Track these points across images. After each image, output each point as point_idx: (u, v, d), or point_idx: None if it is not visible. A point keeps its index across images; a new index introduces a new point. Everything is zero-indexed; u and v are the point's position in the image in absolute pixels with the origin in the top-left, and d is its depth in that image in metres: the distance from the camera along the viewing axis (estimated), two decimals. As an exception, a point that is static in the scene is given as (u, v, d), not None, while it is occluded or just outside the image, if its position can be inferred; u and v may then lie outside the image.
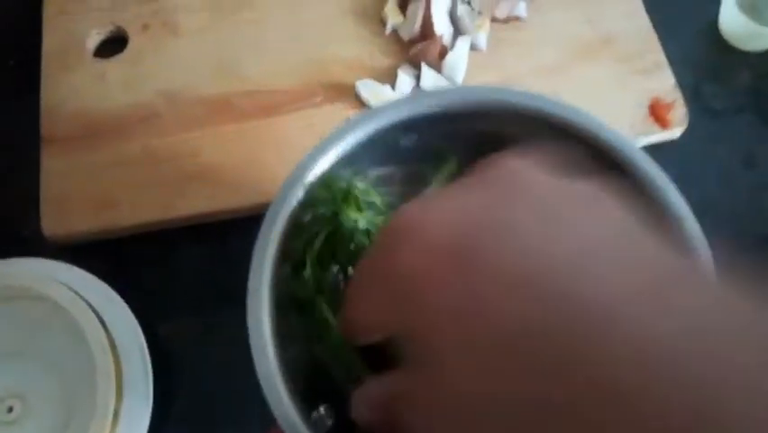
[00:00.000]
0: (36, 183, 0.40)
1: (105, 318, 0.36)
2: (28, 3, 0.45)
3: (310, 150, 0.26)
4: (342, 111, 0.42)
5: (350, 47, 0.44)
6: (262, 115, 0.42)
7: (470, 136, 0.28)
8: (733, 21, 0.46)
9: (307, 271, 0.27)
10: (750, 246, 0.42)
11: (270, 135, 0.42)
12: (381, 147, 0.28)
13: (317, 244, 0.28)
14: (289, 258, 0.27)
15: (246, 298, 0.25)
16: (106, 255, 0.40)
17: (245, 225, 0.41)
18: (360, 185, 0.28)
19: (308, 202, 0.27)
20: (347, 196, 0.28)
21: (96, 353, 0.35)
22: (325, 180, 0.27)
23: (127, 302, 0.37)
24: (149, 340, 0.37)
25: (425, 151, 0.29)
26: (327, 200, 0.28)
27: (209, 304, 0.39)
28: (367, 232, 0.29)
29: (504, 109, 0.26)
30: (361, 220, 0.29)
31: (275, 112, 0.42)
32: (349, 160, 0.27)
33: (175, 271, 0.40)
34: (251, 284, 0.25)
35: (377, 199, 0.29)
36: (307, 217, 0.27)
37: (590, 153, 0.26)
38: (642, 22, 0.45)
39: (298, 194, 0.26)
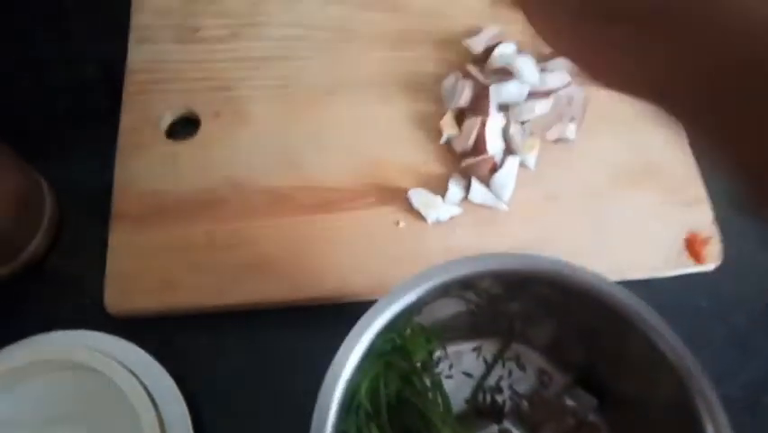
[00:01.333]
0: (101, 256, 0.43)
1: (156, 398, 0.39)
2: (111, 82, 0.48)
3: (384, 297, 0.28)
4: (392, 214, 0.45)
5: (405, 153, 0.47)
6: (318, 211, 0.45)
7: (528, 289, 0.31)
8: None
9: (363, 406, 0.29)
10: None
11: (324, 231, 0.44)
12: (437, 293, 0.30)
13: (376, 372, 0.31)
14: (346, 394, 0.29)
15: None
16: (161, 332, 0.42)
17: (292, 315, 0.43)
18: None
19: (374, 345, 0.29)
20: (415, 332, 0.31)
21: (145, 429, 0.37)
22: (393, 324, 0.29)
23: (177, 383, 0.40)
24: (193, 418, 0.39)
25: (478, 294, 0.31)
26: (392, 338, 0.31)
27: (252, 383, 0.41)
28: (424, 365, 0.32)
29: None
30: (422, 352, 0.31)
31: (330, 208, 0.45)
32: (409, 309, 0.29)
33: (223, 355, 0.43)
34: (317, 413, 0.27)
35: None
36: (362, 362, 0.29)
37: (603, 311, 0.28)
38: (685, 153, 0.48)
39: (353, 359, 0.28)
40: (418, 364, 0.31)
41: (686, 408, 0.28)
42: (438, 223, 0.44)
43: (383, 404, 0.31)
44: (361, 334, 0.27)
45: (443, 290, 0.29)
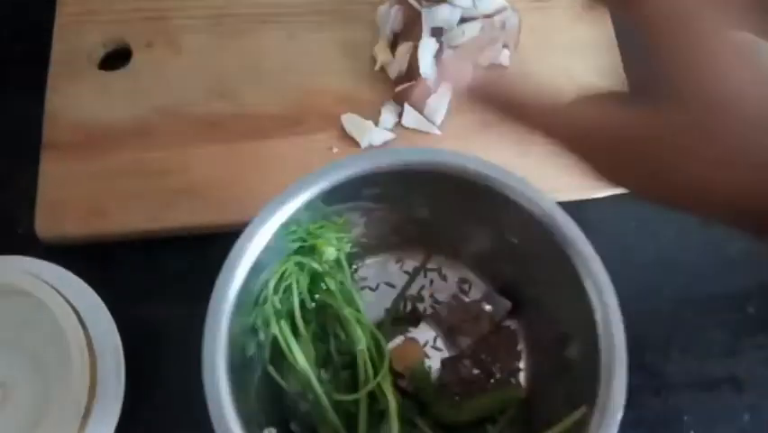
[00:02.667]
0: (34, 185, 0.43)
1: (86, 319, 0.39)
2: (42, 9, 0.47)
3: (276, 196, 0.29)
4: (325, 140, 0.45)
5: (339, 80, 0.47)
6: (250, 138, 0.45)
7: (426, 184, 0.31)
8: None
9: (269, 299, 0.30)
10: (697, 302, 0.44)
11: (256, 157, 0.44)
12: (344, 194, 0.30)
13: (284, 269, 0.31)
14: (253, 290, 0.29)
15: (205, 320, 0.27)
16: (94, 258, 0.42)
17: (226, 239, 0.44)
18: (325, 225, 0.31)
19: (275, 239, 0.29)
20: (316, 233, 0.31)
21: (74, 351, 0.37)
22: (299, 218, 0.30)
23: (109, 304, 0.40)
24: (126, 343, 0.39)
25: (385, 196, 0.32)
26: (300, 234, 0.31)
27: (186, 312, 0.42)
28: (336, 263, 0.32)
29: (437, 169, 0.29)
30: (331, 251, 0.32)
31: (262, 135, 0.45)
32: (312, 205, 0.29)
33: (156, 278, 0.43)
34: (211, 309, 0.27)
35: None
36: (270, 257, 0.29)
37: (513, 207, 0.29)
38: (618, 79, 0.48)
39: (265, 234, 0.28)
40: (328, 265, 0.32)
41: (584, 307, 0.29)
42: (371, 148, 0.45)
43: (295, 303, 0.31)
44: (257, 228, 0.28)
45: (347, 187, 0.29)
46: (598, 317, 0.28)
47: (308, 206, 0.29)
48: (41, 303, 0.38)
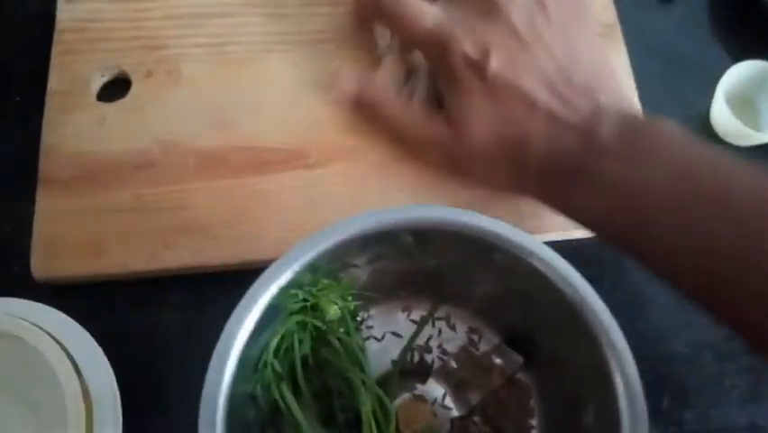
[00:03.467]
0: (30, 220, 0.41)
1: (81, 365, 0.37)
2: (39, 41, 0.46)
3: (278, 260, 0.27)
4: (335, 174, 0.43)
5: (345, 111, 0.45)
6: (255, 172, 0.43)
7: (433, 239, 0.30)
8: (721, 118, 0.46)
9: (269, 364, 0.28)
10: (715, 346, 0.43)
11: (261, 193, 0.43)
12: (347, 252, 0.29)
13: (286, 330, 0.30)
14: (254, 353, 0.28)
15: (203, 392, 0.26)
16: (91, 298, 0.41)
17: (231, 278, 0.42)
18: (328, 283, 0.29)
19: (277, 302, 0.28)
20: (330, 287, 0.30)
21: (69, 399, 0.36)
22: (298, 280, 0.28)
23: (105, 347, 0.39)
24: (122, 388, 0.38)
25: (390, 251, 0.30)
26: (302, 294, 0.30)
27: (187, 356, 0.40)
28: (339, 320, 0.31)
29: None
30: (334, 311, 0.30)
31: (268, 170, 0.43)
32: (314, 266, 0.28)
33: (156, 320, 0.41)
34: (209, 380, 0.26)
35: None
36: (271, 318, 0.28)
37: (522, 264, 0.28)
38: (633, 108, 0.46)
39: (265, 299, 0.27)
40: (332, 322, 0.30)
41: (600, 365, 0.27)
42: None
43: (297, 363, 0.30)
44: (258, 292, 0.26)
45: (350, 246, 0.28)
46: (618, 384, 0.26)
47: (310, 267, 0.28)
48: (35, 349, 0.37)
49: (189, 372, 0.39)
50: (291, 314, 0.29)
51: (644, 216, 0.29)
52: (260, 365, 0.28)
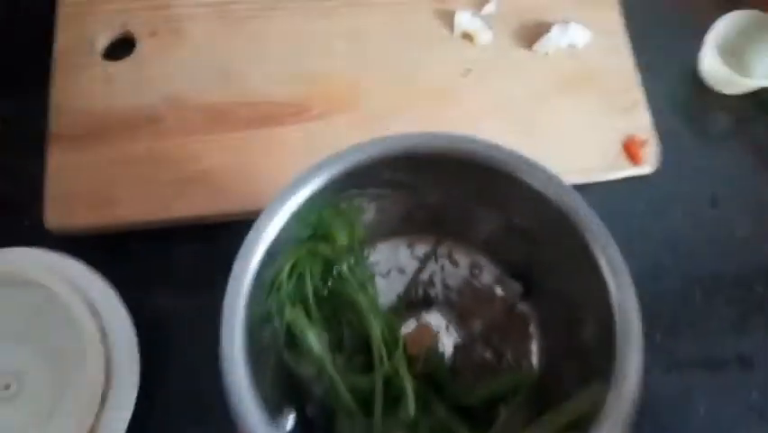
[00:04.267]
0: (42, 176, 0.43)
1: (99, 309, 0.39)
2: (44, 5, 0.47)
3: (287, 185, 0.29)
4: (337, 125, 0.45)
5: (347, 64, 0.46)
6: (261, 125, 0.45)
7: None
8: (712, 67, 0.48)
9: (283, 286, 0.30)
10: (705, 281, 0.45)
11: (268, 145, 0.44)
12: (353, 181, 0.30)
13: (297, 256, 0.31)
14: (267, 277, 0.29)
15: (222, 310, 0.28)
16: (105, 248, 0.43)
17: (237, 227, 0.44)
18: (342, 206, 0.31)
19: (288, 227, 0.29)
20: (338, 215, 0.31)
21: (88, 341, 0.38)
22: (309, 206, 0.30)
23: (121, 293, 0.40)
24: (139, 331, 0.40)
25: (395, 182, 0.32)
26: (313, 221, 0.31)
27: (198, 300, 0.42)
28: (348, 249, 0.33)
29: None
30: (343, 237, 0.32)
31: (273, 122, 0.45)
32: (322, 193, 0.29)
33: (169, 267, 0.43)
34: (228, 298, 0.27)
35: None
36: (283, 245, 0.29)
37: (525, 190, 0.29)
38: (625, 60, 0.48)
39: (274, 226, 0.28)
40: (340, 251, 0.32)
41: (597, 287, 0.29)
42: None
43: (309, 291, 0.32)
44: (271, 216, 0.28)
45: (355, 174, 0.29)
46: (614, 298, 0.28)
47: (319, 193, 0.29)
48: (54, 294, 0.39)
49: (203, 312, 0.41)
50: (302, 242, 0.31)
51: None
52: (275, 288, 0.30)
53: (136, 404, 0.38)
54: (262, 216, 0.28)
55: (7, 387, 0.39)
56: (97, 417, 0.37)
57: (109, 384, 0.38)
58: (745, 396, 0.43)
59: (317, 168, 0.29)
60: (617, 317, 0.27)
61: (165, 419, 0.39)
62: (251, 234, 0.28)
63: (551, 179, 0.29)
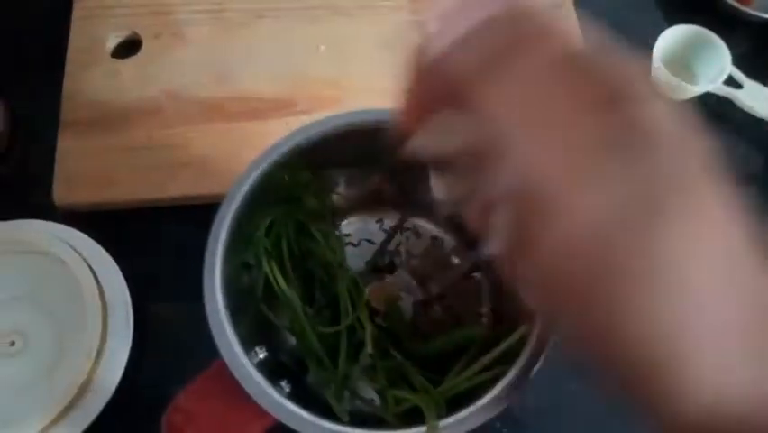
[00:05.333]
0: (53, 158, 0.47)
1: (98, 274, 0.43)
2: (59, 8, 0.53)
3: (263, 150, 0.34)
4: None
5: (327, 67, 0.52)
6: (249, 118, 0.50)
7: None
8: (660, 77, 0.53)
9: (261, 241, 0.34)
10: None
11: (254, 136, 0.49)
12: (319, 152, 0.35)
13: (273, 215, 0.36)
14: (245, 231, 0.34)
15: (204, 258, 0.32)
16: (106, 224, 0.47)
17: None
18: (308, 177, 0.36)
19: (263, 186, 0.34)
20: (309, 183, 0.36)
21: (88, 301, 0.42)
22: (285, 169, 0.35)
23: (119, 263, 0.45)
24: (133, 295, 0.44)
25: (359, 157, 0.37)
26: (287, 185, 0.36)
27: (186, 269, 0.46)
28: (315, 213, 0.37)
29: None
30: (313, 202, 0.36)
31: (260, 116, 0.50)
32: (293, 158, 0.34)
33: (161, 242, 0.47)
34: (210, 248, 0.32)
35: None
36: (260, 201, 0.34)
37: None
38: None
39: (253, 180, 0.33)
40: (313, 213, 0.36)
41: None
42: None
43: (284, 247, 0.36)
44: (249, 175, 0.33)
45: (321, 145, 0.34)
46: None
47: (289, 156, 0.34)
48: (58, 260, 0.43)
49: (190, 278, 0.45)
50: (278, 202, 0.35)
51: None
52: (254, 241, 0.34)
53: (128, 361, 0.42)
54: (240, 176, 0.33)
55: (12, 344, 0.43)
56: (94, 370, 0.41)
57: (104, 343, 0.42)
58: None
59: (286, 138, 0.34)
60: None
61: (153, 372, 0.43)
62: (231, 189, 0.32)
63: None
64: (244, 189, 0.33)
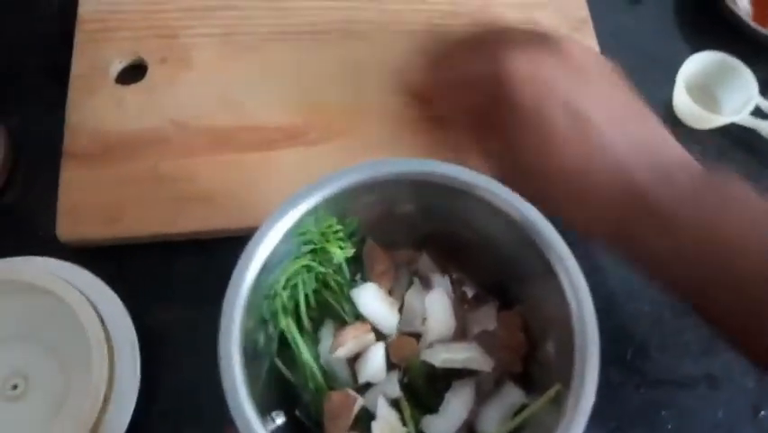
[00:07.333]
0: (53, 191, 0.46)
1: (103, 315, 0.42)
2: (62, 30, 0.51)
3: (287, 199, 0.32)
4: (332, 151, 0.48)
5: (340, 94, 0.50)
6: (258, 149, 0.48)
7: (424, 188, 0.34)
8: (684, 105, 0.51)
9: (279, 295, 0.33)
10: (675, 305, 0.47)
11: (265, 167, 0.47)
12: (346, 201, 0.33)
13: (291, 270, 0.34)
14: (262, 288, 0.32)
15: (220, 317, 0.30)
16: (111, 259, 0.45)
17: (236, 243, 0.47)
18: (336, 227, 0.34)
19: (285, 240, 0.32)
20: (328, 234, 0.34)
21: (93, 344, 0.40)
22: (306, 223, 0.33)
23: (125, 302, 0.43)
24: (140, 337, 0.42)
25: (383, 201, 0.35)
26: (310, 237, 0.34)
27: (197, 310, 0.45)
28: (339, 267, 0.35)
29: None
30: (338, 254, 0.35)
31: (271, 146, 0.48)
32: (315, 212, 0.32)
33: (169, 278, 0.46)
34: (227, 302, 0.30)
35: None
36: (280, 256, 0.32)
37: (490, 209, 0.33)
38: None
39: (273, 238, 0.31)
40: (339, 264, 0.35)
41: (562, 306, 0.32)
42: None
43: (302, 300, 0.34)
44: (269, 228, 0.31)
45: (346, 194, 0.33)
46: (573, 312, 0.31)
47: (314, 210, 0.32)
48: (62, 300, 0.41)
49: (201, 321, 0.44)
50: (298, 257, 0.34)
51: (719, 261, 0.31)
52: (271, 295, 0.33)
53: (136, 407, 0.40)
54: (260, 230, 0.31)
55: (15, 387, 0.41)
56: (99, 418, 0.39)
57: (111, 387, 0.40)
58: (712, 414, 0.45)
59: (312, 187, 0.32)
60: (575, 327, 0.30)
61: (163, 421, 0.42)
62: (250, 244, 0.31)
63: (516, 200, 0.32)
64: (264, 247, 0.31)
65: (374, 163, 0.33)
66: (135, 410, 0.40)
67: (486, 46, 0.38)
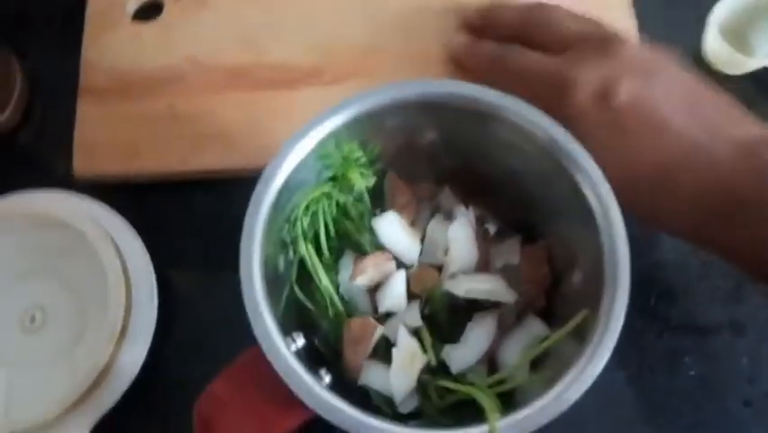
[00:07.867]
0: (69, 129, 0.45)
1: (121, 247, 0.41)
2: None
3: (305, 123, 0.31)
4: (347, 91, 0.46)
5: (361, 33, 0.48)
6: (275, 87, 0.47)
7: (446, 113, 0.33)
8: (715, 48, 0.49)
9: (299, 221, 0.32)
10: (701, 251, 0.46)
11: (281, 106, 0.46)
12: (368, 125, 0.32)
13: (311, 196, 0.33)
14: (283, 211, 0.31)
15: (241, 240, 0.30)
16: (128, 197, 0.45)
17: (248, 183, 0.46)
18: (358, 153, 0.33)
19: (303, 165, 0.31)
20: (349, 160, 0.33)
21: (110, 276, 0.40)
22: (327, 146, 0.32)
23: (141, 236, 0.43)
24: (157, 271, 0.42)
25: (405, 127, 0.34)
26: (331, 162, 0.33)
27: (212, 245, 0.44)
28: (360, 196, 0.35)
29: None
30: (359, 181, 0.34)
31: (287, 86, 0.47)
32: (337, 135, 0.32)
33: (186, 217, 0.45)
34: (247, 226, 0.29)
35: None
36: (299, 179, 0.32)
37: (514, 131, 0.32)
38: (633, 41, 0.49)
39: (295, 158, 0.31)
40: (353, 196, 0.34)
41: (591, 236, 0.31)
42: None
43: (321, 227, 0.34)
44: (290, 148, 0.30)
45: (370, 117, 0.32)
46: (603, 228, 0.30)
47: (336, 133, 0.31)
48: (80, 233, 0.41)
49: (212, 255, 0.44)
50: (320, 184, 0.33)
51: None
52: (291, 221, 0.32)
53: (153, 337, 0.40)
54: (284, 146, 0.30)
55: (33, 319, 0.41)
56: (116, 350, 0.39)
57: (128, 319, 0.40)
58: (735, 361, 0.44)
59: (335, 109, 0.31)
60: (606, 252, 0.29)
61: (177, 355, 0.42)
62: (273, 161, 0.30)
63: (544, 119, 0.31)
64: (286, 166, 0.30)
65: (397, 85, 0.32)
66: (152, 342, 0.40)
67: (548, 47, 0.39)
